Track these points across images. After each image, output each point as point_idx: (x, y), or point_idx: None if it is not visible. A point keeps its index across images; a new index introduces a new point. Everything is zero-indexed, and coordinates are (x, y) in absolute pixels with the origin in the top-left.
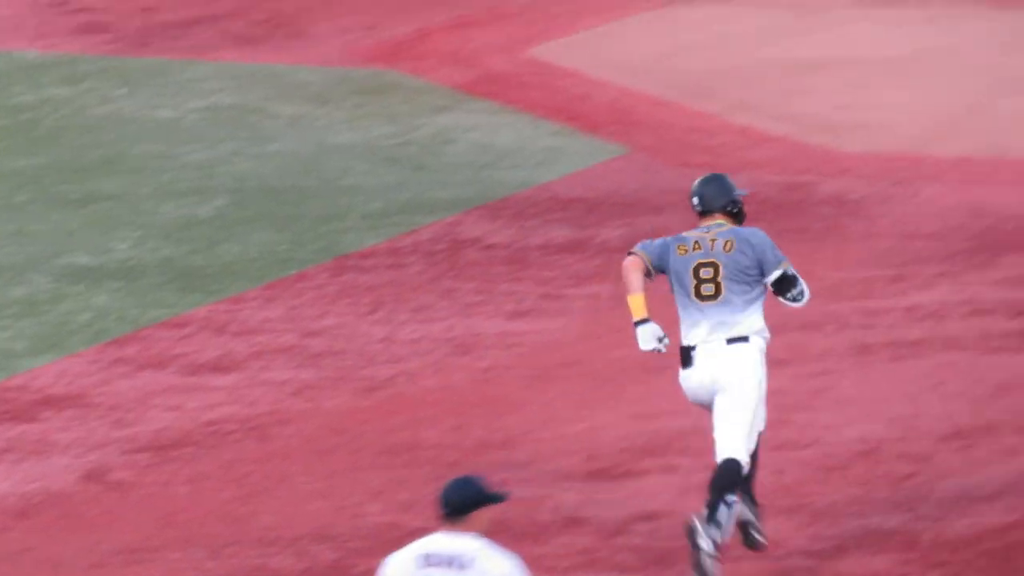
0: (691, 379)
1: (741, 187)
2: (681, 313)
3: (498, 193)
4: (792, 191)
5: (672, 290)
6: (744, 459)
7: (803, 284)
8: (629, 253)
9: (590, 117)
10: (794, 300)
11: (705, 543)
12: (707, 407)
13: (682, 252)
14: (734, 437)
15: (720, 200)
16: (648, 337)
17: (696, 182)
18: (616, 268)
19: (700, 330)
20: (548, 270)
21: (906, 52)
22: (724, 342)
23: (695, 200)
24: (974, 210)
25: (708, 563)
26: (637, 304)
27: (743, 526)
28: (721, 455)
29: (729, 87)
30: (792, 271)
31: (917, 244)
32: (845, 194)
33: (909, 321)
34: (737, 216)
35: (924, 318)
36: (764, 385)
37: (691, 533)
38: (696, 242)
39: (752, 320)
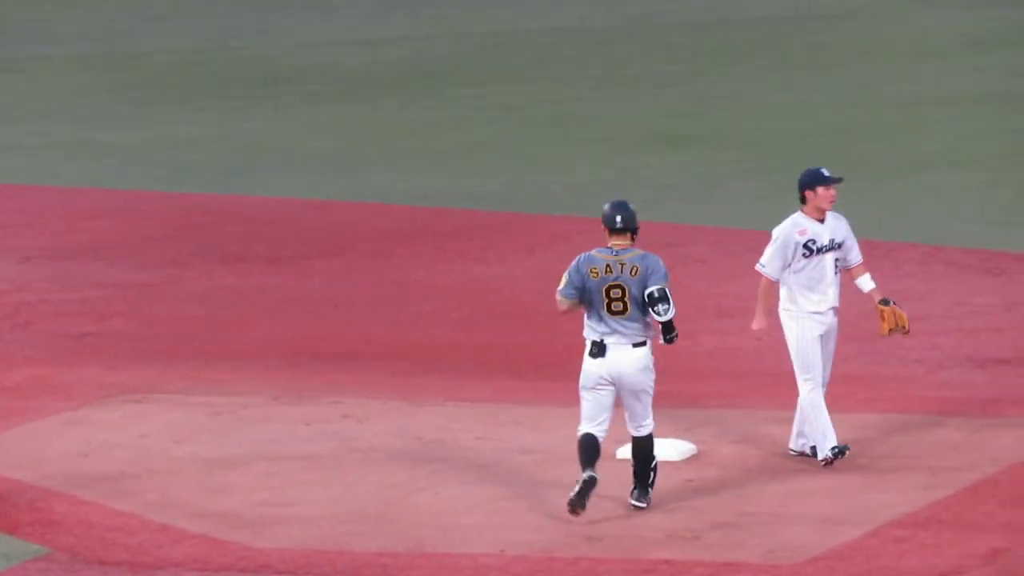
0: (601, 367)
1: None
2: (592, 318)
3: None
4: None
5: (584, 301)
6: (653, 429)
7: (671, 304)
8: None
9: (9, 517)
10: (659, 314)
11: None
12: (601, 392)
13: (594, 275)
14: (645, 414)
15: (635, 222)
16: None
17: (609, 205)
18: None
19: (610, 334)
20: None
21: (325, 449)
22: (630, 345)
23: (617, 219)
24: None
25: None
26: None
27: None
28: (636, 431)
29: (147, 486)
30: (667, 292)
31: None
32: None
33: None
34: (636, 236)
35: None
36: (653, 376)
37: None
38: (608, 266)
39: (648, 329)
